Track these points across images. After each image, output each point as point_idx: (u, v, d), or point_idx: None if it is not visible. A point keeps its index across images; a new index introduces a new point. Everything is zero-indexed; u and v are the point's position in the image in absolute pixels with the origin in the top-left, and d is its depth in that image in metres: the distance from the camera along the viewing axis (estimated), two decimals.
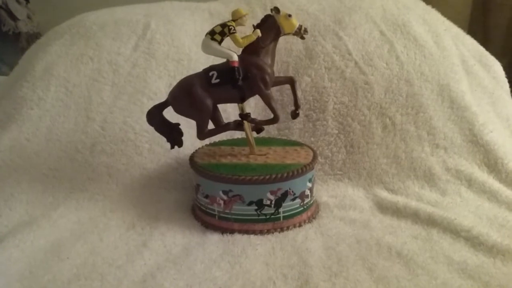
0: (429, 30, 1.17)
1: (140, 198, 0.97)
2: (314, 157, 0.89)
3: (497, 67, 1.23)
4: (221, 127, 0.89)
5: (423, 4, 1.28)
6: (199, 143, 1.02)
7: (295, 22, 0.85)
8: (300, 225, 0.86)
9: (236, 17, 0.84)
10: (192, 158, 0.91)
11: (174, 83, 1.09)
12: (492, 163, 1.01)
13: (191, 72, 1.10)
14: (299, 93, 1.05)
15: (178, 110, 0.87)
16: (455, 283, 0.67)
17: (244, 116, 0.89)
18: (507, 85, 1.21)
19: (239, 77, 0.83)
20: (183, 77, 1.10)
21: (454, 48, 1.17)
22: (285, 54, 1.15)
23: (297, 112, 0.89)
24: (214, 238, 0.82)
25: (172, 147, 0.91)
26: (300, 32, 0.86)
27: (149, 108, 0.89)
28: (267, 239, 0.82)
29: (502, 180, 0.98)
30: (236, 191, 0.82)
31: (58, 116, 1.07)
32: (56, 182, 0.99)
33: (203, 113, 0.85)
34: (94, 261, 0.74)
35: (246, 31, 0.86)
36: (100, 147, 1.03)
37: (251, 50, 0.85)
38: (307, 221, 0.87)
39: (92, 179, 1.00)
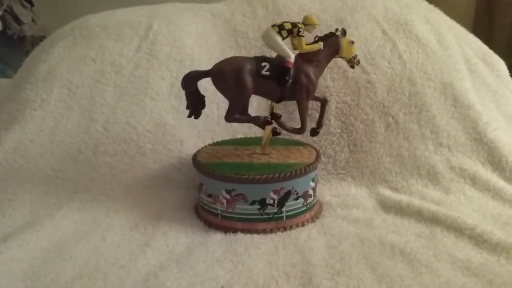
0: (431, 29, 1.17)
1: (143, 198, 0.97)
2: (317, 156, 0.89)
3: (501, 66, 1.22)
4: (251, 117, 0.88)
5: (425, 3, 1.28)
6: (201, 143, 1.02)
7: (354, 50, 0.87)
8: (303, 225, 0.86)
9: (308, 23, 0.85)
10: (195, 157, 0.91)
11: (177, 84, 1.10)
12: (496, 161, 1.00)
13: None
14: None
15: (217, 85, 0.85)
16: (459, 281, 0.67)
17: (275, 116, 0.89)
18: (511, 83, 1.21)
19: (289, 79, 0.83)
20: None
21: (457, 46, 1.16)
22: None
23: (318, 130, 0.91)
24: (217, 237, 0.82)
25: (190, 116, 0.89)
26: (353, 61, 0.88)
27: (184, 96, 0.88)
28: (270, 238, 0.81)
29: (506, 178, 0.97)
30: (239, 190, 0.82)
31: (61, 117, 1.07)
32: (59, 183, 0.99)
33: (241, 97, 0.84)
34: (97, 261, 0.74)
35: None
36: (103, 148, 1.03)
37: (306, 58, 0.85)
38: (310, 220, 0.87)
39: (95, 180, 1.00)
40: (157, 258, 0.75)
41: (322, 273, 0.70)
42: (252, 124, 1.07)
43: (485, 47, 1.25)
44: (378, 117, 1.06)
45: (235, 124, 1.08)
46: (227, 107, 1.08)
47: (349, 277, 0.69)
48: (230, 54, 1.15)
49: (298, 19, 1.17)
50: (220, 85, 0.85)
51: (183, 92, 1.08)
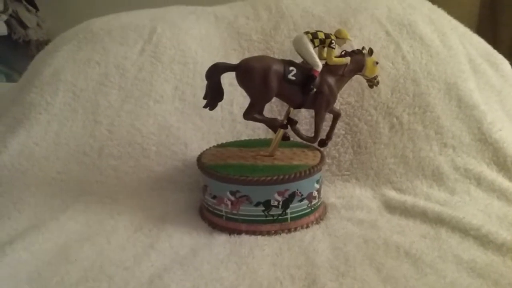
0: (435, 30, 1.17)
1: (147, 200, 0.97)
2: (322, 158, 0.89)
3: (505, 66, 1.22)
4: (269, 119, 0.87)
5: (429, 3, 1.28)
6: (206, 145, 1.02)
7: (377, 71, 0.89)
8: (307, 226, 0.86)
9: (340, 36, 0.85)
10: (199, 159, 0.91)
11: (181, 86, 1.10)
12: (501, 162, 1.00)
13: (197, 75, 1.11)
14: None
15: (243, 81, 0.84)
16: (464, 282, 0.67)
17: (292, 121, 0.90)
18: None
19: (314, 88, 0.84)
20: (189, 80, 1.11)
21: (461, 47, 1.16)
22: (291, 55, 1.15)
23: (326, 142, 0.93)
24: (221, 239, 0.82)
25: (206, 107, 0.87)
26: (373, 81, 0.90)
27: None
28: (275, 240, 0.81)
29: (511, 178, 0.97)
30: (243, 192, 0.82)
31: (66, 120, 1.07)
32: (64, 185, 1.00)
33: (264, 97, 0.84)
34: (101, 263, 0.75)
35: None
36: (108, 150, 1.03)
37: (331, 71, 0.86)
38: (314, 222, 0.87)
39: (100, 182, 1.01)
40: (161, 260, 0.75)
41: (326, 274, 0.70)
42: (256, 126, 1.07)
43: (489, 47, 1.25)
44: (382, 118, 1.06)
45: (239, 126, 1.08)
46: (230, 108, 1.09)
47: (353, 279, 0.68)
48: (233, 56, 1.15)
49: (301, 21, 1.18)
50: (245, 81, 0.84)
51: (187, 95, 1.09)
